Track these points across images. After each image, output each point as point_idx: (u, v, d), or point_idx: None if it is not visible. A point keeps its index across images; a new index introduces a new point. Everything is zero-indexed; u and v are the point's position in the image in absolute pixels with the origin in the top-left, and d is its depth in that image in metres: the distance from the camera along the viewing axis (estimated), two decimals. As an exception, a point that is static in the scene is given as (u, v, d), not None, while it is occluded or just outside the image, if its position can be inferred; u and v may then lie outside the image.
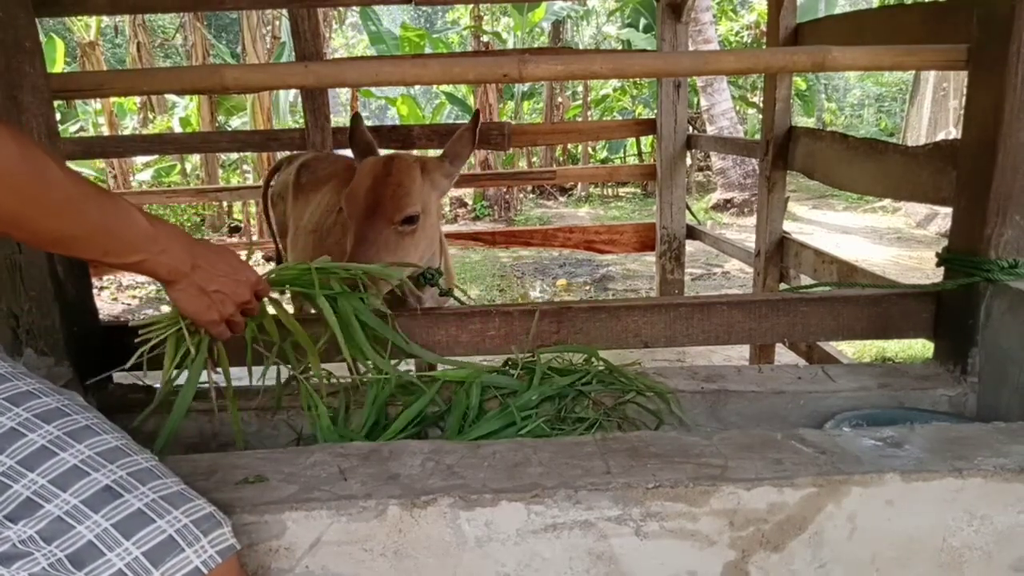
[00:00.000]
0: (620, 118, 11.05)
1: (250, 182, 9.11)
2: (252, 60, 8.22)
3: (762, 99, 3.10)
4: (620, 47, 11.36)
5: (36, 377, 0.78)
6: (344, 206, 1.60)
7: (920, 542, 0.87)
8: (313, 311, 1.25)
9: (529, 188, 11.57)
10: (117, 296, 6.09)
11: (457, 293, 1.71)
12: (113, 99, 8.42)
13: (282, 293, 1.28)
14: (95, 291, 1.47)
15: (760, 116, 2.86)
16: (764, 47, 5.02)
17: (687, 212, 3.92)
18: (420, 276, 1.60)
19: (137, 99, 9.85)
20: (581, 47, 13.19)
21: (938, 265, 1.45)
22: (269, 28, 9.06)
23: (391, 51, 9.29)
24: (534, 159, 12.03)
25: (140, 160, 8.77)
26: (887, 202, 9.24)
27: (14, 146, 0.68)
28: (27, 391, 0.74)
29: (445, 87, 10.54)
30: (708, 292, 5.67)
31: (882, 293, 1.50)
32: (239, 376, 1.22)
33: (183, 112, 10.09)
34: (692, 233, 3.92)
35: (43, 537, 0.65)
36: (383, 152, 1.77)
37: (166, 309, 1.15)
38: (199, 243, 0.96)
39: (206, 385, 1.20)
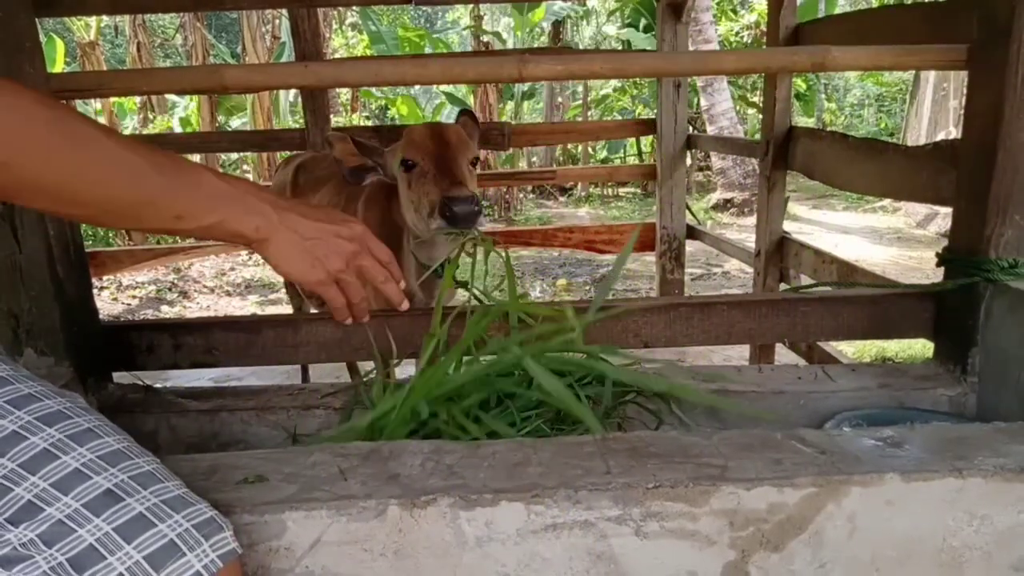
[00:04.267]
0: (620, 118, 11.05)
1: (250, 182, 9.09)
2: (252, 60, 8.22)
3: (762, 99, 3.09)
4: (620, 47, 11.36)
5: (37, 379, 0.78)
6: (413, 156, 1.62)
7: (920, 542, 0.87)
8: (314, 310, 1.22)
9: (529, 188, 11.56)
10: (117, 296, 6.09)
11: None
12: (113, 99, 8.42)
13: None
14: (95, 291, 1.47)
15: (760, 116, 2.86)
16: (764, 47, 5.02)
17: (687, 212, 3.92)
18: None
19: (137, 99, 9.86)
20: (581, 47, 13.19)
21: (938, 265, 1.45)
22: (269, 28, 9.06)
23: (391, 51, 9.29)
24: (534, 159, 12.02)
25: (140, 160, 8.74)
26: (887, 202, 9.23)
27: (43, 110, 0.65)
28: (29, 394, 0.74)
29: (445, 87, 10.54)
30: (708, 292, 5.67)
31: (882, 293, 1.50)
32: (240, 375, 1.22)
33: (183, 112, 10.10)
34: (692, 233, 3.92)
35: (44, 540, 0.65)
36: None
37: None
38: (283, 198, 0.89)
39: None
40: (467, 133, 1.78)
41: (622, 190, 12.17)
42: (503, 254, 1.32)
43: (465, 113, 1.92)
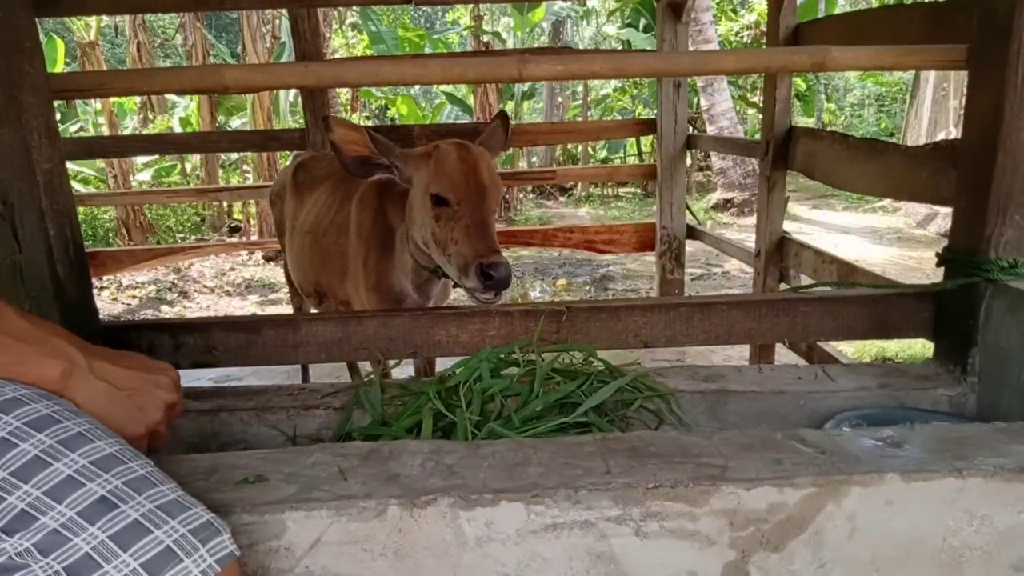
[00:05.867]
0: (620, 118, 11.05)
1: (250, 182, 9.12)
2: (252, 60, 8.22)
3: (762, 99, 3.09)
4: (620, 47, 11.36)
5: (23, 383, 0.76)
6: (447, 194, 1.54)
7: (920, 542, 0.87)
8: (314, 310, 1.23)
9: (529, 188, 11.57)
10: (117, 296, 6.09)
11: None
12: (113, 99, 8.42)
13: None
14: (95, 291, 1.46)
15: (760, 116, 2.86)
16: (764, 47, 5.02)
17: (687, 212, 3.92)
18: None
19: (137, 99, 9.86)
20: (581, 47, 13.19)
21: (938, 265, 1.45)
22: (269, 28, 9.06)
23: (391, 51, 9.30)
24: (534, 159, 12.03)
25: (140, 160, 8.78)
26: (887, 202, 9.23)
27: None
28: (15, 398, 0.73)
29: (445, 87, 10.54)
30: (708, 292, 5.67)
31: (882, 293, 1.50)
32: (240, 375, 1.22)
33: (183, 112, 10.10)
34: (692, 233, 3.92)
35: (40, 550, 0.65)
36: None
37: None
38: (92, 346, 0.83)
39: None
40: (495, 143, 1.76)
41: (622, 190, 12.17)
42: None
43: (501, 116, 1.85)
